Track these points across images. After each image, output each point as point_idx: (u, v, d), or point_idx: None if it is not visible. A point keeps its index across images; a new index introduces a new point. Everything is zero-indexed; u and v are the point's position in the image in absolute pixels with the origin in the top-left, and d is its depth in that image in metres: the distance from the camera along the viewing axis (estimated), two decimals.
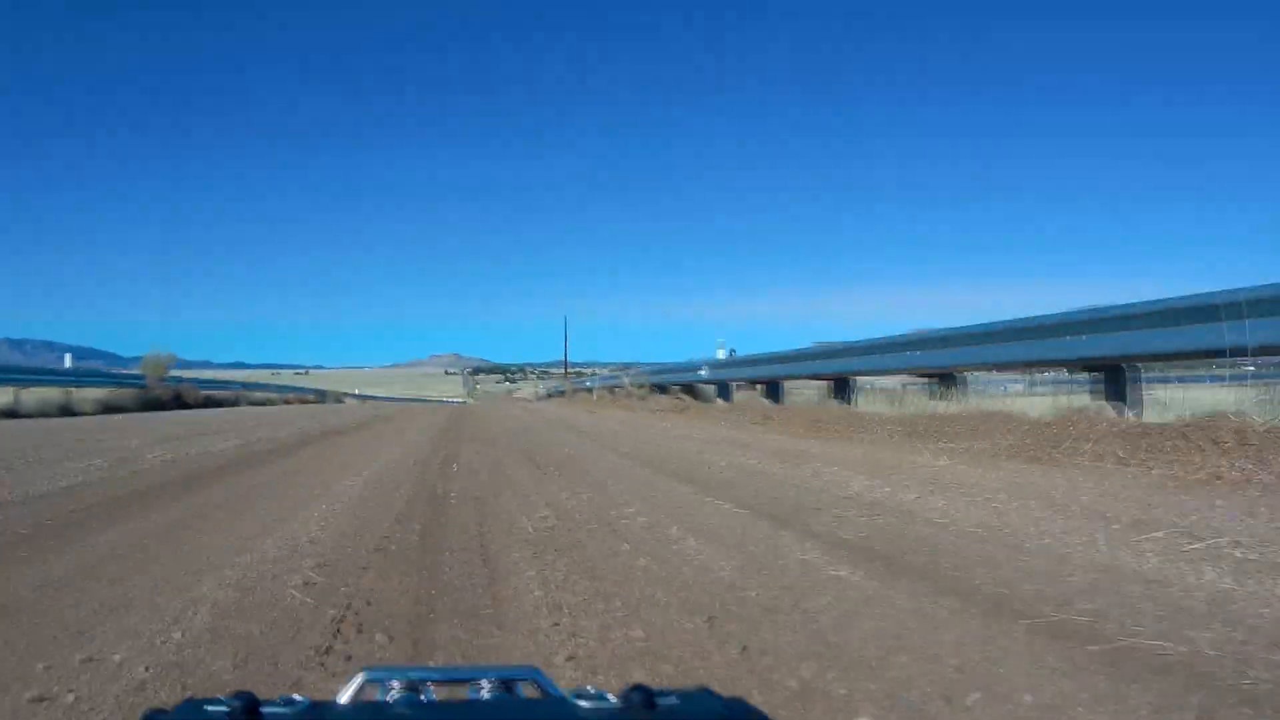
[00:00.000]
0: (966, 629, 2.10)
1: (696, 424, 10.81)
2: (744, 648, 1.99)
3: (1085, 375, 7.84)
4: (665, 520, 3.64)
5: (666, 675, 1.82)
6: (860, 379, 11.33)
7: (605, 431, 9.88)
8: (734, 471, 5.58)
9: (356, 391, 57.18)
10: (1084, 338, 7.21)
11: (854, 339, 10.89)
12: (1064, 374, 8.91)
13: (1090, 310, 7.29)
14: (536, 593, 2.53)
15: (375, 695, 0.53)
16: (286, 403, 31.37)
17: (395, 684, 0.53)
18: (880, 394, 13.13)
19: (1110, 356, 6.89)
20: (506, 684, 0.54)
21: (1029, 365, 8.62)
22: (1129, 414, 6.65)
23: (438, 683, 0.55)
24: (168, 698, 1.70)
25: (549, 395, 40.82)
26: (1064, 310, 7.59)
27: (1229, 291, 5.72)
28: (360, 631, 2.15)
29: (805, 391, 15.09)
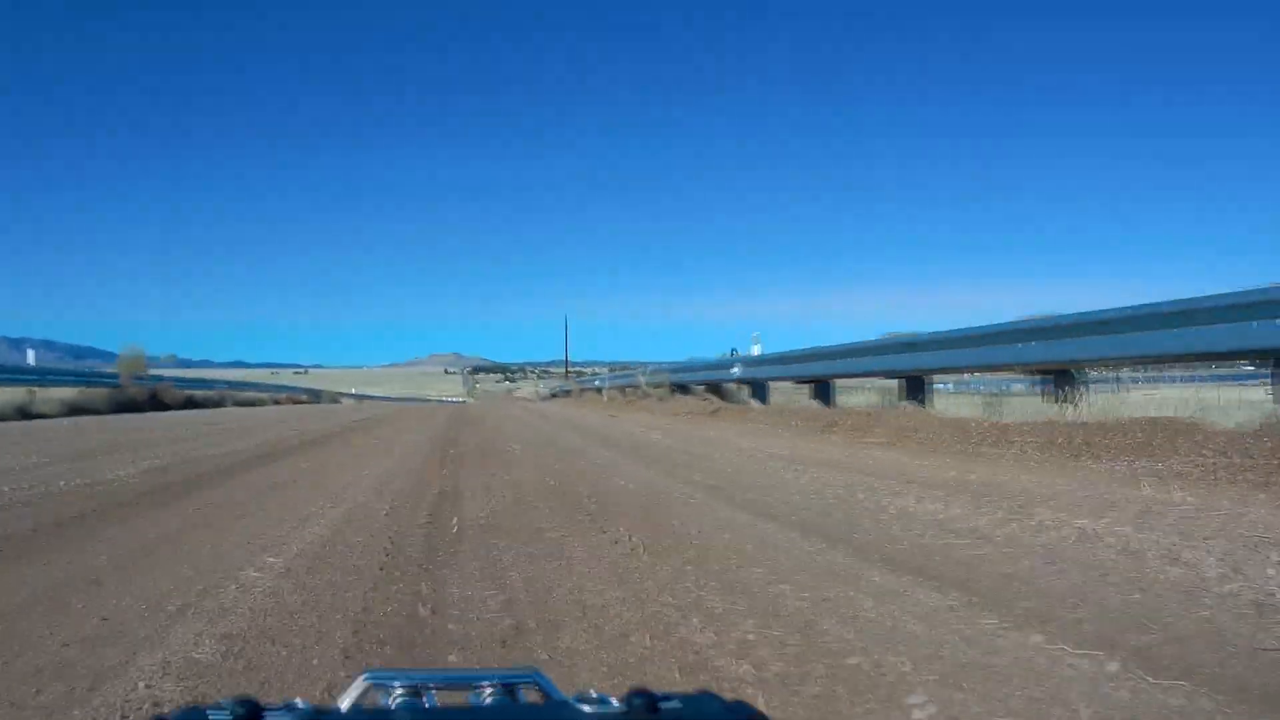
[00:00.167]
0: None
1: (747, 431, 8.96)
2: None
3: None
4: None
5: None
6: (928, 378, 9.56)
7: (647, 443, 7.96)
8: (936, 535, 3.40)
9: (353, 391, 55.25)
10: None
11: (931, 329, 9.13)
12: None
13: None
14: None
15: (378, 699, 0.52)
16: (277, 403, 29.65)
17: (398, 688, 0.53)
18: (950, 395, 11.36)
19: None
20: (508, 687, 0.54)
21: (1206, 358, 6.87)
22: None
23: (439, 686, 0.54)
24: None
25: (553, 395, 38.95)
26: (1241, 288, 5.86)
27: None
28: None
29: (859, 393, 13.35)
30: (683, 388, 17.68)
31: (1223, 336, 6.04)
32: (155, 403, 20.39)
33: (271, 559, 3.16)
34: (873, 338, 9.98)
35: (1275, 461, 4.62)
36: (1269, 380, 6.48)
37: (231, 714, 0.45)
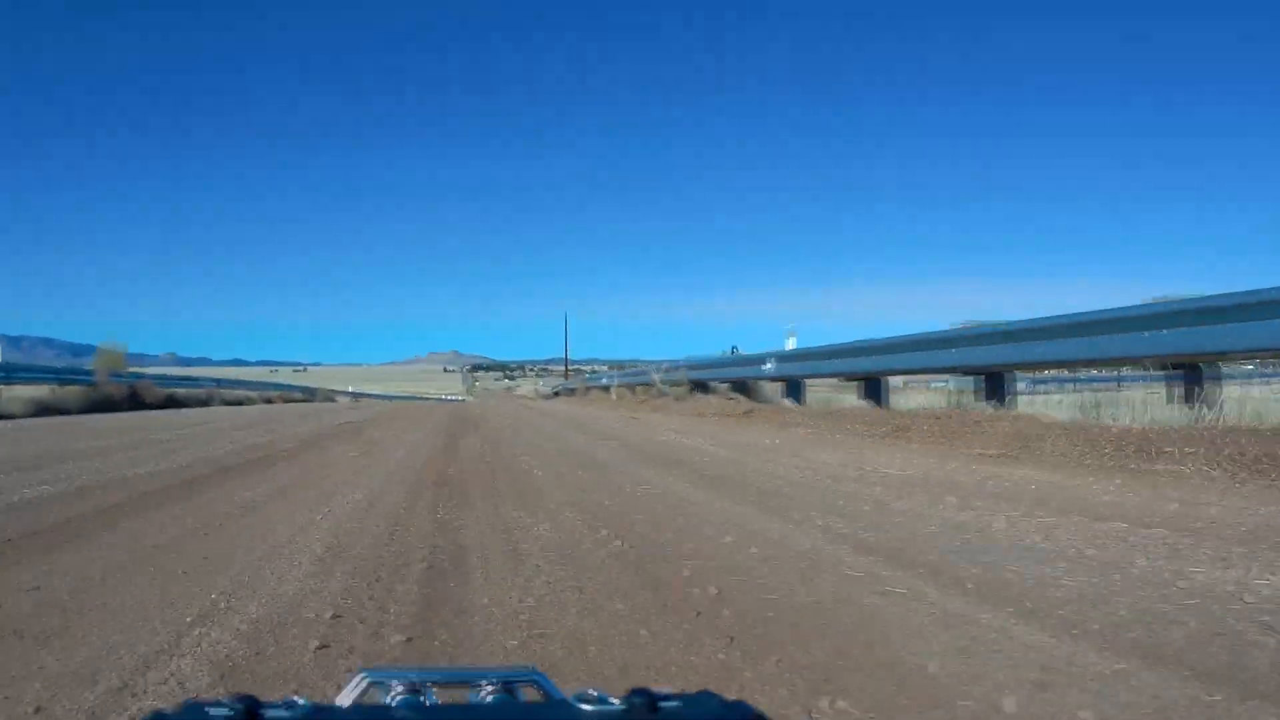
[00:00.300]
0: None
1: (807, 440, 7.54)
2: None
3: None
4: None
5: None
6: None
7: (699, 456, 6.25)
8: None
9: (350, 389, 53.63)
10: None
11: (1016, 319, 7.75)
12: None
13: None
14: None
15: (377, 697, 0.51)
16: (269, 401, 28.21)
17: (397, 686, 0.51)
18: (1023, 395, 9.99)
19: None
20: (508, 686, 0.52)
21: None
22: None
23: (439, 684, 0.53)
24: None
25: (555, 393, 37.51)
26: None
27: None
28: None
29: (914, 392, 12.00)
30: (702, 386, 16.33)
31: None
32: (135, 401, 19.03)
33: None
34: (943, 327, 8.58)
35: None
36: None
37: (231, 711, 0.44)
